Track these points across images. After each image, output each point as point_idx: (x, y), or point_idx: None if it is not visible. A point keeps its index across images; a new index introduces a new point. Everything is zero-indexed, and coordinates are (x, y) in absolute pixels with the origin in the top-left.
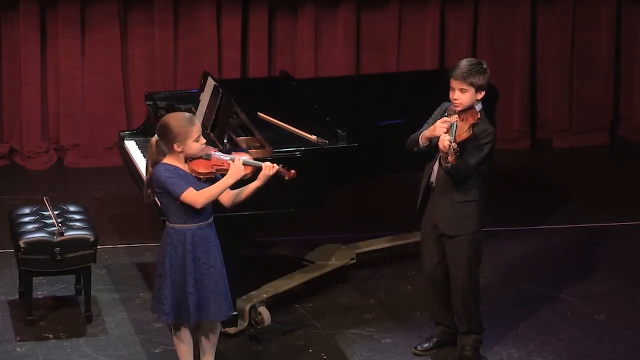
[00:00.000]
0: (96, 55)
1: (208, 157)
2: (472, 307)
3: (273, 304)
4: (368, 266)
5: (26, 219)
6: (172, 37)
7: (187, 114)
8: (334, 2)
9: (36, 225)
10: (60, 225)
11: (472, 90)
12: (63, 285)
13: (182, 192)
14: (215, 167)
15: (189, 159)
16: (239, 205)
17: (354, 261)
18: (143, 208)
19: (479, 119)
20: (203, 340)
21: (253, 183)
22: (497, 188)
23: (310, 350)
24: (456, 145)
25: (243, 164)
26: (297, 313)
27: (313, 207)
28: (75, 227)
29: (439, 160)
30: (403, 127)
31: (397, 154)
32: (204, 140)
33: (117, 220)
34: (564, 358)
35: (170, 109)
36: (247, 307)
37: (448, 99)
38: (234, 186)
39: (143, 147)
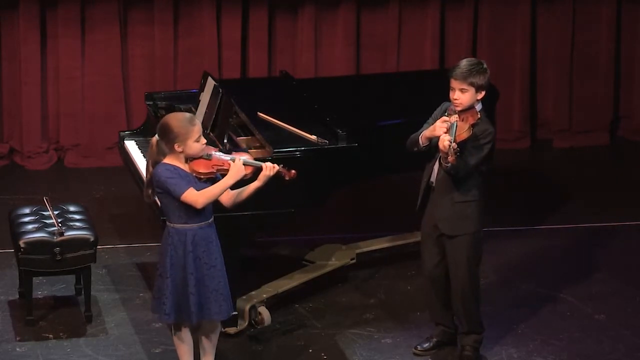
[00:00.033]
0: (96, 55)
1: (208, 157)
2: (472, 307)
3: (273, 304)
4: (368, 266)
5: (26, 219)
6: (172, 37)
7: (188, 114)
8: (334, 2)
9: (36, 225)
10: (60, 225)
11: (472, 90)
12: (63, 285)
13: (183, 192)
14: (215, 167)
15: (189, 159)
16: (239, 205)
17: (354, 261)
18: (143, 208)
19: (479, 119)
20: (203, 340)
21: (253, 183)
22: (497, 188)
23: (310, 350)
24: (456, 145)
25: (243, 164)
26: (297, 313)
27: (313, 207)
28: (75, 227)
29: (439, 160)
30: (403, 127)
31: (397, 154)
32: (205, 141)
33: (117, 220)
34: (564, 358)
35: (170, 109)
36: (247, 307)
37: (448, 99)
38: (234, 186)
39: (143, 147)
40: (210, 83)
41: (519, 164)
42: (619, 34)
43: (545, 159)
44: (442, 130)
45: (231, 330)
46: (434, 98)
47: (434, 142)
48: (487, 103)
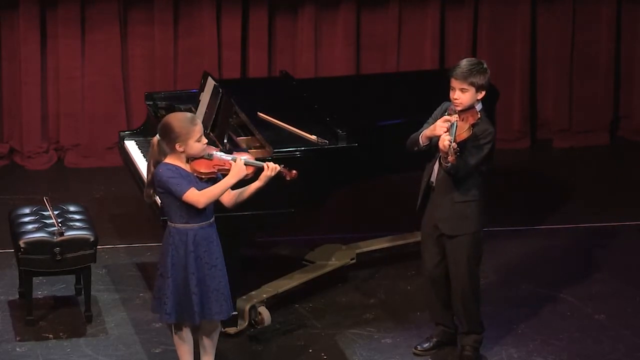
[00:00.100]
0: (96, 55)
1: (210, 157)
2: (473, 307)
3: (273, 304)
4: (368, 266)
5: (26, 219)
6: (172, 37)
7: (189, 114)
8: (334, 2)
9: (36, 225)
10: (60, 225)
11: (473, 90)
12: (63, 285)
13: (185, 192)
14: (216, 167)
15: (190, 159)
16: (239, 205)
17: (354, 261)
18: (143, 208)
19: (479, 118)
20: (204, 339)
21: (254, 183)
22: (497, 188)
23: (310, 350)
24: (456, 145)
25: (245, 164)
26: (297, 313)
27: (313, 207)
28: (75, 227)
29: (439, 160)
30: (403, 127)
31: (397, 154)
32: (206, 140)
33: (117, 220)
34: (564, 358)
35: (170, 109)
36: (247, 307)
37: (448, 99)
38: (235, 186)
39: (143, 147)
40: (210, 83)
41: (519, 164)
42: (619, 34)
43: (545, 159)
44: (443, 130)
45: (231, 330)
46: (434, 98)
47: (434, 141)
48: (487, 103)
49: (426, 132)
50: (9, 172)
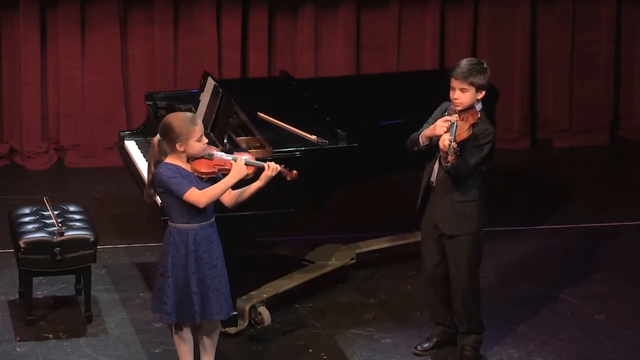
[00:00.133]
0: (96, 55)
1: (210, 157)
2: (473, 307)
3: (273, 304)
4: (368, 266)
5: (26, 219)
6: (172, 37)
7: (189, 114)
8: (334, 2)
9: (36, 225)
10: (60, 225)
11: (473, 89)
12: (63, 285)
13: (185, 192)
14: (217, 167)
15: (191, 158)
16: (239, 205)
17: (354, 261)
18: (143, 208)
19: (479, 118)
20: (204, 339)
21: (255, 183)
22: (497, 188)
23: (310, 350)
24: (456, 145)
25: (245, 164)
26: (297, 313)
27: (313, 207)
28: (75, 227)
29: (439, 160)
30: (403, 127)
31: (397, 154)
32: (206, 140)
33: (117, 220)
34: (564, 358)
35: (170, 109)
36: (247, 307)
37: (448, 99)
38: (235, 186)
39: (143, 147)
40: (210, 83)
41: (519, 164)
42: (619, 34)
43: (545, 159)
44: (443, 130)
45: (231, 330)
46: (434, 98)
47: (434, 141)
48: (487, 103)
49: (426, 132)
50: (9, 172)
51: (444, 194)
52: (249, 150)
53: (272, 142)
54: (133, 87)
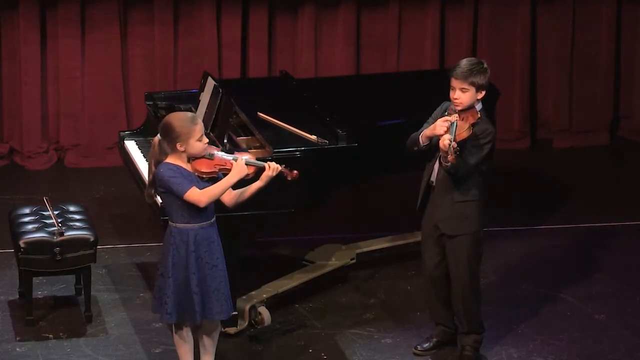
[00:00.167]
0: (96, 55)
1: (211, 157)
2: (473, 307)
3: (273, 304)
4: (368, 266)
5: (26, 219)
6: (172, 37)
7: (190, 114)
8: (334, 2)
9: (36, 225)
10: (60, 225)
11: (473, 89)
12: (63, 285)
13: (186, 191)
14: (218, 167)
15: (191, 158)
16: (239, 205)
17: (354, 261)
18: (143, 208)
19: (479, 118)
20: (204, 339)
21: (255, 183)
22: (497, 188)
23: (310, 350)
24: (456, 145)
25: (246, 164)
26: (297, 313)
27: (313, 207)
28: (75, 227)
29: (439, 160)
30: (403, 127)
31: (397, 154)
32: (207, 140)
33: (117, 220)
34: (564, 358)
35: (170, 109)
36: (247, 307)
37: (448, 99)
38: (236, 186)
39: (143, 147)
40: (210, 83)
41: (519, 164)
42: (619, 34)
43: (545, 159)
44: (442, 130)
45: (231, 330)
46: (434, 98)
47: (434, 141)
48: (487, 103)
49: (426, 131)
50: (9, 172)
51: (444, 193)
52: (249, 150)
53: (272, 142)
54: (133, 87)
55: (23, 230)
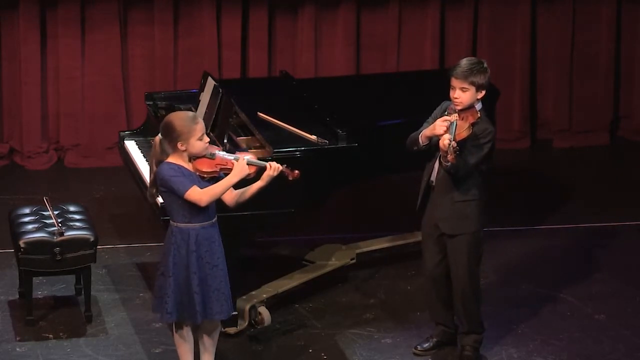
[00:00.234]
0: (96, 55)
1: (212, 156)
2: (473, 307)
3: (273, 304)
4: (368, 266)
5: (26, 219)
6: (172, 37)
7: (191, 113)
8: (334, 2)
9: (36, 225)
10: (60, 225)
11: (473, 89)
12: (63, 285)
13: (186, 190)
14: (219, 167)
15: (192, 157)
16: (239, 205)
17: (354, 261)
18: (143, 208)
19: (479, 118)
20: (204, 338)
21: (257, 183)
22: (497, 188)
23: (310, 350)
24: (456, 144)
25: (247, 164)
26: (297, 313)
27: (313, 207)
28: (75, 227)
29: (439, 159)
30: (403, 127)
31: (397, 154)
32: (208, 139)
33: (117, 220)
34: (564, 358)
35: (170, 109)
36: (247, 307)
37: (448, 99)
38: (237, 186)
39: (143, 147)
40: (210, 83)
41: (519, 164)
42: (619, 34)
43: (545, 159)
44: (442, 130)
45: (231, 330)
46: (434, 98)
47: (433, 141)
48: (487, 102)
49: (425, 131)
50: (9, 172)
51: (444, 193)
52: (249, 150)
53: (272, 142)
54: (133, 87)
55: (23, 230)
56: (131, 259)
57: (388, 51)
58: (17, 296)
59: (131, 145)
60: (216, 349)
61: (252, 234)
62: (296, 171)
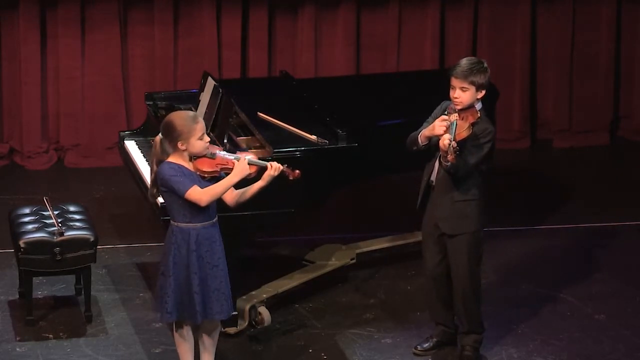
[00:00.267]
0: (96, 55)
1: (212, 156)
2: (473, 307)
3: (273, 304)
4: (368, 266)
5: (26, 219)
6: (172, 37)
7: (191, 113)
8: (334, 2)
9: (36, 225)
10: (60, 225)
11: (473, 89)
12: (63, 285)
13: (187, 190)
14: (219, 166)
15: (193, 157)
16: (240, 205)
17: (354, 261)
18: (143, 208)
19: (478, 118)
20: (204, 338)
21: (257, 183)
22: (497, 188)
23: (310, 350)
24: (456, 144)
25: (248, 164)
26: (297, 313)
27: (313, 207)
28: (75, 227)
29: (439, 159)
30: (403, 127)
31: (397, 154)
32: (208, 139)
33: (117, 220)
34: (564, 358)
35: (170, 109)
36: (247, 307)
37: (448, 99)
38: (238, 185)
39: (143, 147)
40: (210, 83)
41: (519, 164)
42: (619, 34)
43: (545, 159)
44: (442, 129)
45: (231, 330)
46: (434, 98)
47: (433, 141)
48: (487, 102)
49: (425, 131)
50: (9, 172)
51: (444, 193)
52: (250, 150)
53: (272, 142)
54: (133, 87)
55: (23, 230)
56: (131, 259)
57: (388, 51)
58: (17, 296)
59: (131, 145)
60: (216, 349)
61: (252, 233)
62: (297, 171)
